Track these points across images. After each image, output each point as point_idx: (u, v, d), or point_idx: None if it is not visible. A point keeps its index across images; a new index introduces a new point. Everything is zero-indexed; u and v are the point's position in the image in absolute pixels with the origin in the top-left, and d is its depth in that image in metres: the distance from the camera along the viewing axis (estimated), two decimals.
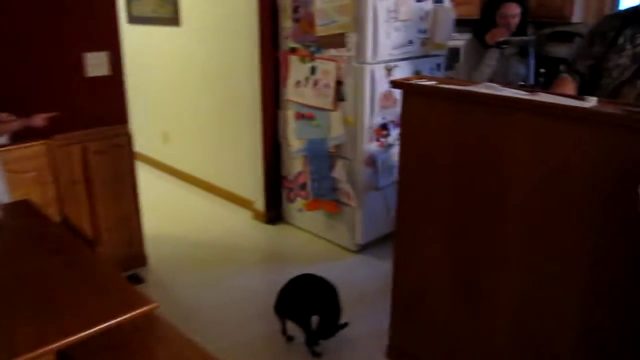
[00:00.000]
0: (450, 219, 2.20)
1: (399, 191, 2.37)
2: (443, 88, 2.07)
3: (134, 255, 3.39)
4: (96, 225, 3.18)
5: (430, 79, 2.31)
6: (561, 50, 3.93)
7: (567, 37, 3.93)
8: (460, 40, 3.83)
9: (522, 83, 2.28)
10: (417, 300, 2.44)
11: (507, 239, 2.03)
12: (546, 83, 4.01)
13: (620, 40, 2.43)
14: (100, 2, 3.01)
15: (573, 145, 1.78)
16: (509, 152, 1.93)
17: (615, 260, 1.78)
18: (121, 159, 3.23)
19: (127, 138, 3.23)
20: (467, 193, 2.11)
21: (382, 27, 3.24)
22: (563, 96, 1.94)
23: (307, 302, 2.68)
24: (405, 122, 2.28)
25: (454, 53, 4.01)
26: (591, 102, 1.83)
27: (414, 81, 2.21)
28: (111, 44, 3.09)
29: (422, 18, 3.49)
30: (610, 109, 1.74)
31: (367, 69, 3.26)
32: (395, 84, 2.24)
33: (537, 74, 3.87)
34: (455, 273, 2.24)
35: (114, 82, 3.14)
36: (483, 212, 2.07)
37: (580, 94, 2.62)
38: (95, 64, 3.02)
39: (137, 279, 3.30)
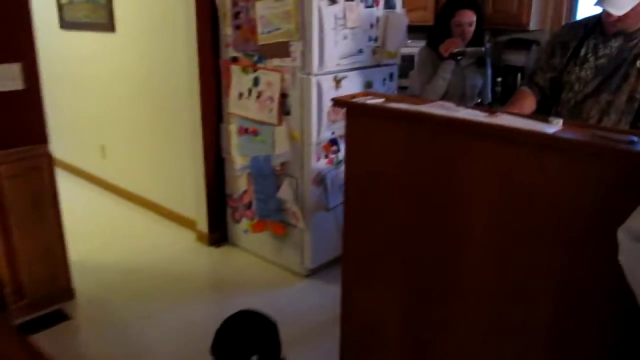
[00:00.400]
0: (402, 250, 1.97)
1: (345, 220, 2.12)
2: (391, 108, 1.83)
3: (58, 289, 3.05)
4: (12, 260, 2.82)
5: (378, 95, 2.07)
6: (518, 59, 3.76)
7: (524, 45, 3.76)
8: (414, 48, 3.62)
9: (480, 101, 2.05)
10: (367, 338, 2.20)
11: (466, 271, 1.80)
12: (503, 93, 3.84)
13: (583, 51, 2.25)
14: (11, 8, 2.66)
15: (537, 172, 1.56)
16: (467, 179, 1.70)
17: (582, 297, 1.58)
18: (41, 183, 2.88)
19: (47, 159, 2.89)
20: (421, 221, 1.87)
21: (329, 35, 2.99)
22: (525, 117, 1.73)
23: (245, 342, 2.41)
24: (351, 143, 2.04)
25: (407, 60, 3.80)
26: (556, 125, 1.62)
27: (359, 99, 1.97)
28: (25, 55, 2.74)
29: (372, 25, 3.25)
30: (577, 134, 1.53)
31: (314, 80, 3.01)
32: (337, 102, 1.99)
33: (494, 83, 3.69)
34: (408, 308, 2.01)
35: (30, 97, 2.79)
36: (440, 242, 1.84)
37: (541, 109, 2.44)
38: (5, 77, 2.67)
39: (61, 316, 2.95)
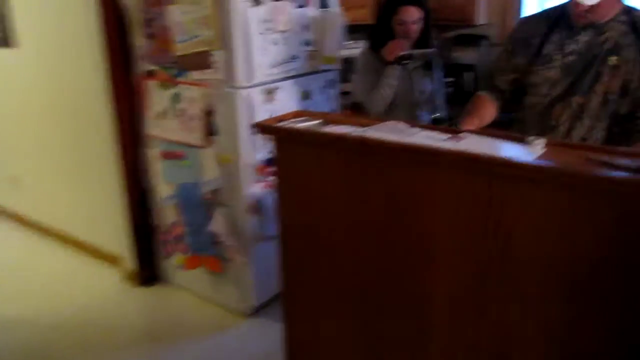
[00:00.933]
0: (351, 294, 1.60)
1: (283, 262, 1.74)
2: (330, 135, 1.46)
3: None
4: None
5: (314, 115, 1.69)
6: (467, 56, 3.47)
7: (472, 41, 3.47)
8: (355, 49, 3.27)
9: (438, 115, 1.70)
10: None
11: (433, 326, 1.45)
12: (455, 94, 3.53)
13: (547, 48, 1.93)
14: None
15: (521, 211, 1.22)
16: (430, 217, 1.35)
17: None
18: None
19: None
20: (373, 263, 1.51)
21: (256, 42, 2.59)
22: (497, 137, 1.38)
23: None
24: (283, 173, 1.66)
25: (349, 63, 3.44)
26: (537, 146, 1.27)
27: (288, 122, 1.58)
28: None
29: (305, 27, 2.87)
30: (566, 159, 1.19)
31: (241, 94, 2.60)
32: (262, 128, 1.59)
33: (444, 84, 3.37)
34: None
35: None
36: (396, 288, 1.48)
37: (503, 116, 2.12)
38: None
39: None
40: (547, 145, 1.26)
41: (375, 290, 1.54)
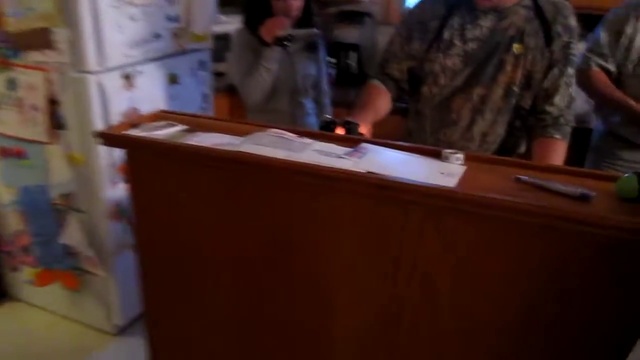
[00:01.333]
0: (228, 332, 1.31)
1: (142, 285, 1.41)
2: (194, 149, 1.13)
3: None
4: None
5: (180, 118, 1.35)
6: (351, 34, 3.24)
7: (356, 18, 3.23)
8: (229, 25, 2.92)
9: (329, 118, 1.42)
10: None
11: None
12: (339, 76, 3.30)
13: (447, 33, 1.72)
14: None
15: (442, 251, 0.98)
16: (326, 249, 1.09)
17: None
18: None
19: None
20: (254, 303, 1.23)
21: (109, 17, 2.16)
22: (407, 150, 1.14)
23: None
24: (138, 191, 1.31)
25: (223, 40, 3.07)
26: (455, 163, 1.04)
27: (146, 127, 1.24)
28: None
29: (170, 0, 2.46)
30: (495, 186, 0.97)
31: (93, 80, 2.17)
32: (107, 138, 1.23)
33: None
34: None
35: None
36: (284, 335, 1.21)
37: (398, 106, 1.90)
38: None
39: None
40: (466, 159, 1.04)
41: (257, 331, 1.27)
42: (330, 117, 1.43)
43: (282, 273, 1.13)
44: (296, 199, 1.06)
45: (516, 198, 0.89)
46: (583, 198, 0.90)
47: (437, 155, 1.08)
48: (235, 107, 3.21)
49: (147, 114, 1.34)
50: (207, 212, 1.17)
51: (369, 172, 0.99)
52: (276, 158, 1.03)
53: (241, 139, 1.15)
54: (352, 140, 1.18)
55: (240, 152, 1.06)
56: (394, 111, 1.87)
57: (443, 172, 1.01)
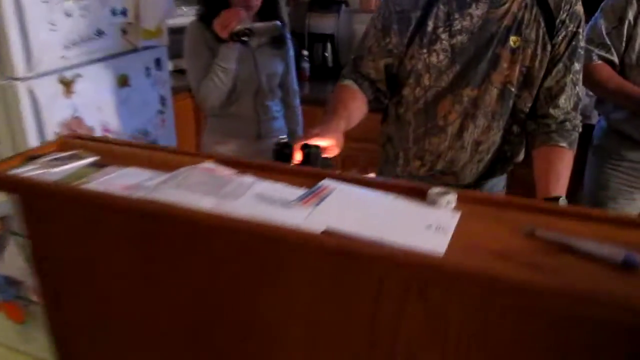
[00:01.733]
0: None
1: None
2: (93, 196, 0.84)
3: None
4: None
5: (92, 147, 1.06)
6: (326, 24, 2.94)
7: (330, 6, 2.94)
8: (189, 17, 2.61)
9: (283, 140, 1.14)
10: None
11: None
12: (313, 71, 3.01)
13: (430, 24, 1.43)
14: None
15: (428, 334, 0.71)
16: (277, 326, 0.81)
17: None
18: None
19: None
20: None
21: (36, 13, 1.86)
22: (382, 187, 0.86)
23: None
24: (37, 240, 1.03)
25: (180, 33, 2.77)
26: (447, 207, 0.77)
27: (45, 160, 0.95)
28: None
29: None
30: (509, 249, 0.70)
31: (22, 87, 1.88)
32: None
33: (300, 58, 2.84)
34: None
35: None
36: None
37: (376, 108, 1.62)
38: None
39: None
40: (460, 201, 0.77)
41: None
42: (285, 137, 1.15)
43: (210, 353, 0.86)
44: (227, 259, 0.78)
45: (532, 272, 0.62)
46: (627, 265, 0.64)
47: (421, 194, 0.81)
48: (199, 109, 2.92)
49: (51, 142, 1.05)
50: (118, 272, 0.90)
51: (325, 232, 0.71)
52: (199, 211, 0.75)
53: (162, 177, 0.87)
54: (311, 175, 0.90)
55: (152, 202, 0.78)
56: (373, 109, 1.59)
57: (430, 225, 0.73)
